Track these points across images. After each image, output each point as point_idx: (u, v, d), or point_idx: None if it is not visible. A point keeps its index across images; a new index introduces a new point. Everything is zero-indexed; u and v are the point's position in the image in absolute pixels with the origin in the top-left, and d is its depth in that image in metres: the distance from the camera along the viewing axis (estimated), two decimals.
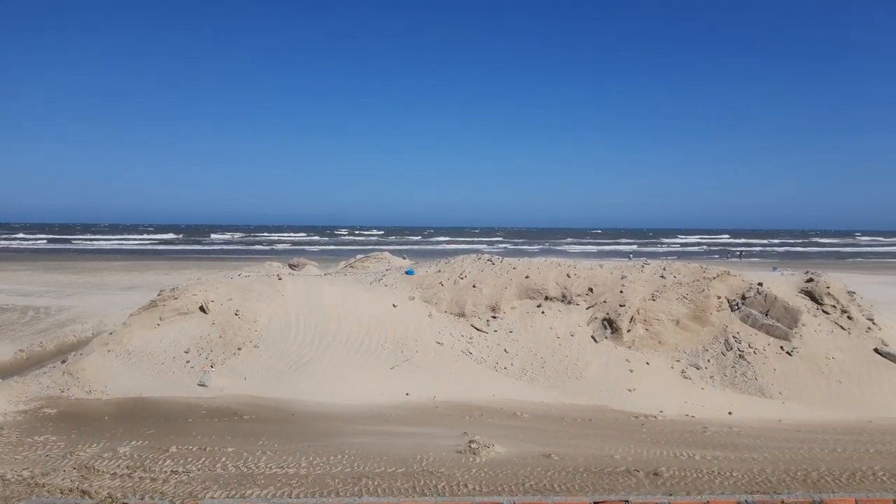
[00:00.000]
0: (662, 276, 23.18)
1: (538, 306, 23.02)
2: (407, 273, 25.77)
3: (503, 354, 20.72)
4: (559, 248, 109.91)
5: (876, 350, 19.89)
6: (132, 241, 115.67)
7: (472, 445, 14.05)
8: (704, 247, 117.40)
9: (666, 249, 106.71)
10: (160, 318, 20.60)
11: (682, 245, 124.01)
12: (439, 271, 25.23)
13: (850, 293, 22.83)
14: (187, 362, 18.94)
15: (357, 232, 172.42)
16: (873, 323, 21.44)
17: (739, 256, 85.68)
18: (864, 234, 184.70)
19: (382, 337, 20.98)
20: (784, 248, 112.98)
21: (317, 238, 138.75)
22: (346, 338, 20.72)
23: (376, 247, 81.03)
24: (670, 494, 11.84)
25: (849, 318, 21.08)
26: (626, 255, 76.62)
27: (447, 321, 22.33)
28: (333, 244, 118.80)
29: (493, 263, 25.23)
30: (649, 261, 25.82)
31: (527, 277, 23.97)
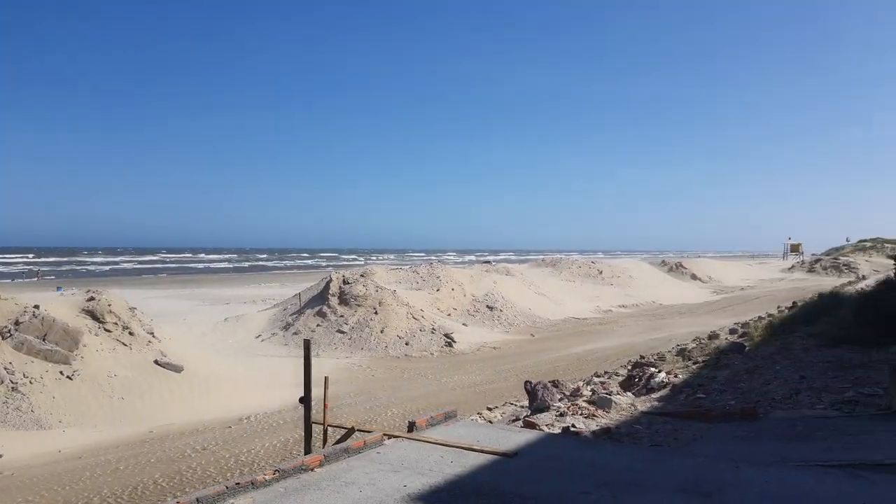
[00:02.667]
0: None
1: None
2: None
3: None
4: None
5: (156, 361, 20.99)
6: None
7: None
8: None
9: None
10: None
11: None
12: None
13: (132, 309, 23.50)
14: None
15: None
16: (153, 336, 22.62)
17: (38, 277, 78.09)
18: (207, 252, 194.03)
19: None
20: (95, 267, 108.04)
21: None
22: None
23: None
24: None
25: (130, 333, 21.57)
26: None
27: None
28: None
29: None
30: None
31: None
